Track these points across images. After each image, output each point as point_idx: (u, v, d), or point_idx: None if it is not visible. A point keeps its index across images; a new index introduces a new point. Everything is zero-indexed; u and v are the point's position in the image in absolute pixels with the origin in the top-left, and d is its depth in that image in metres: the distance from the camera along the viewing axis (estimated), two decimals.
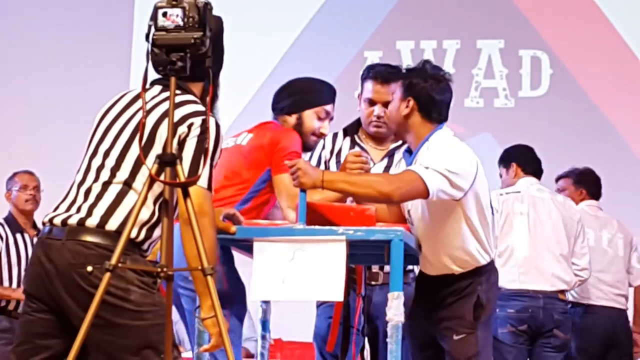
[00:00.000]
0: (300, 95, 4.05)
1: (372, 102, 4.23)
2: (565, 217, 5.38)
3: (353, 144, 4.34)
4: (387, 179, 3.59)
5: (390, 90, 4.11)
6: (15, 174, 6.12)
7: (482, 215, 3.78)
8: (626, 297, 5.74)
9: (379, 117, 4.22)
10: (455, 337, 3.78)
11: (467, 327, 3.79)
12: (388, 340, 3.51)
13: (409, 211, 3.83)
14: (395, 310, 3.49)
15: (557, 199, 5.48)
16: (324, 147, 4.36)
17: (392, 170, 4.15)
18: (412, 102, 3.77)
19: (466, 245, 3.77)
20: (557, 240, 5.33)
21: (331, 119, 4.12)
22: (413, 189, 3.56)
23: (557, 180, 6.04)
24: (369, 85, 4.25)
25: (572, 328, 5.47)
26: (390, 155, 4.29)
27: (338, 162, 4.29)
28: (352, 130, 4.37)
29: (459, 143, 3.78)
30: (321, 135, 4.10)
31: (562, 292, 5.34)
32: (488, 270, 3.86)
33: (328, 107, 4.08)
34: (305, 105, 4.04)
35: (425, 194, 3.58)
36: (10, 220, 5.98)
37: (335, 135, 4.39)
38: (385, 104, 4.13)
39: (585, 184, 5.88)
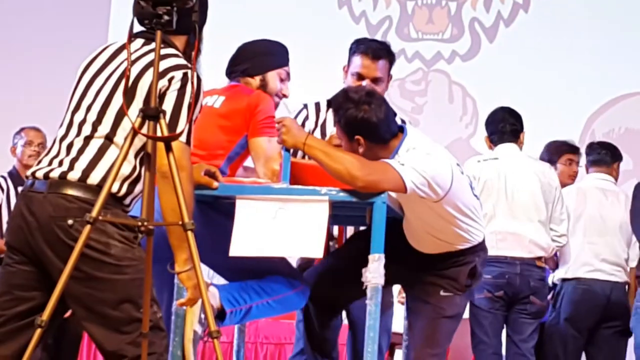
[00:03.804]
0: (263, 57, 4.03)
1: (360, 77, 4.21)
2: (544, 183, 5.37)
3: None
4: (361, 163, 3.51)
5: (379, 66, 4.15)
6: (22, 129, 6.11)
7: (470, 203, 3.76)
8: (624, 270, 5.71)
9: None
10: (442, 293, 3.80)
11: (457, 289, 3.81)
12: (367, 301, 3.52)
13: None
14: (374, 272, 3.49)
15: (535, 165, 5.47)
16: (307, 118, 4.34)
17: None
18: (361, 140, 3.65)
19: (461, 231, 3.76)
20: (535, 207, 5.32)
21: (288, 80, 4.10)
22: (386, 180, 3.50)
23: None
24: (358, 59, 4.23)
25: (565, 300, 5.52)
26: None
27: (323, 133, 4.27)
28: None
29: (429, 150, 3.69)
30: (284, 97, 4.07)
31: (540, 258, 5.34)
32: (482, 248, 3.89)
33: (287, 69, 4.07)
34: (268, 66, 4.02)
35: (402, 186, 3.52)
36: (14, 174, 5.98)
37: (317, 105, 4.36)
38: (374, 80, 4.14)
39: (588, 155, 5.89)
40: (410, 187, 3.52)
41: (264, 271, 3.67)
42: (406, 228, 3.82)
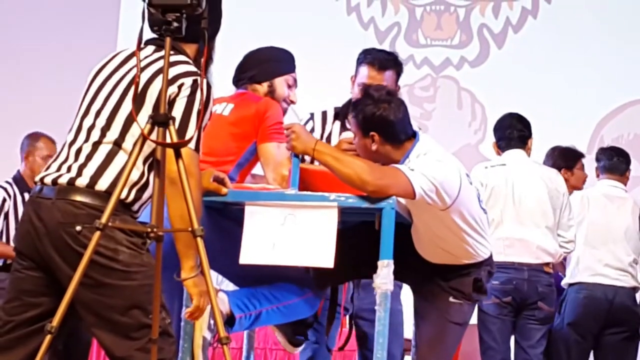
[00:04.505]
0: (270, 63, 4.05)
1: None
2: (551, 189, 5.37)
3: (343, 128, 4.31)
4: (371, 168, 3.53)
5: (385, 77, 4.14)
6: (39, 138, 5.81)
7: (477, 215, 3.76)
8: (631, 275, 5.68)
9: None
10: (452, 299, 3.81)
11: (465, 298, 3.82)
12: (376, 307, 3.51)
13: None
14: (384, 278, 3.49)
15: (542, 171, 5.47)
16: (313, 130, 4.34)
17: None
18: (376, 136, 3.67)
19: (466, 245, 3.76)
20: (542, 213, 5.32)
21: (295, 87, 4.11)
22: (396, 185, 3.50)
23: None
24: (365, 70, 4.23)
25: (568, 304, 5.51)
26: None
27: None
28: (344, 113, 4.33)
29: (440, 156, 3.70)
30: (291, 103, 4.09)
31: (547, 264, 5.34)
32: (489, 264, 3.89)
33: (294, 75, 4.09)
34: (276, 72, 4.04)
35: (411, 192, 3.52)
36: (18, 180, 5.82)
37: (324, 115, 4.36)
38: None
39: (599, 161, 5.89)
40: (418, 193, 3.53)
41: (274, 277, 3.67)
42: (414, 235, 3.83)
